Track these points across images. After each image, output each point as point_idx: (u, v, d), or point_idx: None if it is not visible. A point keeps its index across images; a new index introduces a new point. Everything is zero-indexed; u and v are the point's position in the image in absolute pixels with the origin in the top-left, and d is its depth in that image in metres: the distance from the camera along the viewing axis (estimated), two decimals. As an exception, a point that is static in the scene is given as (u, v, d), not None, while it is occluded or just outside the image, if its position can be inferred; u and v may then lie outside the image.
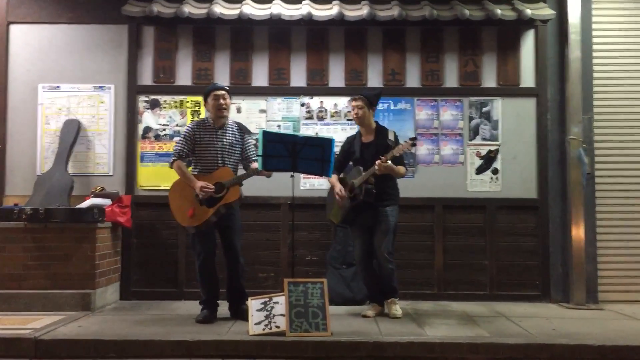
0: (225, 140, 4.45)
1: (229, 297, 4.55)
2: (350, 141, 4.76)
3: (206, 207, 4.28)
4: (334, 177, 4.66)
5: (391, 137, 4.57)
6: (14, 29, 5.62)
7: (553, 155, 5.53)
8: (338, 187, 4.58)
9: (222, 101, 4.41)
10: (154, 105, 5.57)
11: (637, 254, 5.51)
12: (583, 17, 5.45)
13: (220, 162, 4.41)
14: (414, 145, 4.31)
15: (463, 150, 5.54)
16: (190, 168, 4.52)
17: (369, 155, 4.53)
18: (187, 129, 4.48)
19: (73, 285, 4.77)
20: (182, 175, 4.38)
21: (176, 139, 5.47)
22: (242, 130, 4.59)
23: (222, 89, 4.47)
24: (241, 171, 4.49)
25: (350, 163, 4.76)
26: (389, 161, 4.35)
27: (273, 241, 5.46)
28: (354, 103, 4.62)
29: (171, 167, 4.44)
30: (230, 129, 4.52)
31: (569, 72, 5.42)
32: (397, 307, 4.54)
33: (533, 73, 5.58)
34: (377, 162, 4.32)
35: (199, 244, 4.39)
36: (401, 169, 4.52)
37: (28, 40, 5.61)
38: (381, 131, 4.64)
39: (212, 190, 4.26)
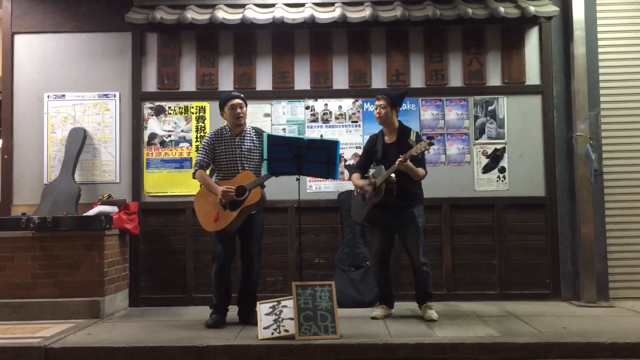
0: (243, 146, 4.49)
1: (240, 301, 4.57)
2: (372, 140, 4.71)
3: (230, 210, 4.31)
4: (355, 176, 4.64)
5: (412, 137, 4.47)
6: (19, 39, 5.65)
7: (560, 153, 5.49)
8: (362, 183, 4.53)
9: (238, 110, 4.46)
10: (158, 111, 5.58)
11: (648, 250, 5.46)
12: (587, 12, 5.41)
13: (240, 168, 4.45)
14: (431, 144, 4.26)
15: (469, 149, 5.52)
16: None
17: (391, 155, 4.45)
18: (206, 140, 4.55)
19: (82, 293, 4.78)
20: (205, 183, 4.45)
21: (182, 144, 5.52)
22: (260, 135, 4.58)
23: (238, 97, 4.51)
24: None
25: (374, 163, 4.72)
26: (408, 161, 4.30)
27: (280, 245, 5.46)
28: (377, 102, 4.59)
29: (194, 177, 4.53)
30: (249, 135, 4.55)
31: (574, 69, 5.37)
32: (433, 311, 4.50)
33: (538, 70, 5.55)
34: (398, 161, 4.26)
35: (220, 248, 4.42)
36: (420, 170, 4.45)
37: (33, 50, 5.64)
38: (403, 131, 4.57)
39: (234, 192, 4.28)
